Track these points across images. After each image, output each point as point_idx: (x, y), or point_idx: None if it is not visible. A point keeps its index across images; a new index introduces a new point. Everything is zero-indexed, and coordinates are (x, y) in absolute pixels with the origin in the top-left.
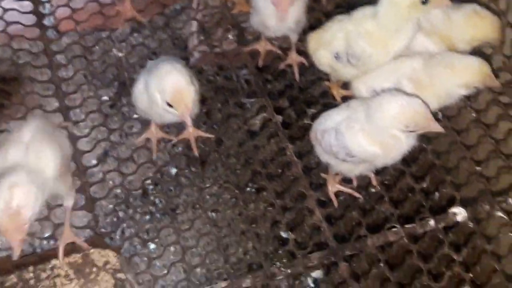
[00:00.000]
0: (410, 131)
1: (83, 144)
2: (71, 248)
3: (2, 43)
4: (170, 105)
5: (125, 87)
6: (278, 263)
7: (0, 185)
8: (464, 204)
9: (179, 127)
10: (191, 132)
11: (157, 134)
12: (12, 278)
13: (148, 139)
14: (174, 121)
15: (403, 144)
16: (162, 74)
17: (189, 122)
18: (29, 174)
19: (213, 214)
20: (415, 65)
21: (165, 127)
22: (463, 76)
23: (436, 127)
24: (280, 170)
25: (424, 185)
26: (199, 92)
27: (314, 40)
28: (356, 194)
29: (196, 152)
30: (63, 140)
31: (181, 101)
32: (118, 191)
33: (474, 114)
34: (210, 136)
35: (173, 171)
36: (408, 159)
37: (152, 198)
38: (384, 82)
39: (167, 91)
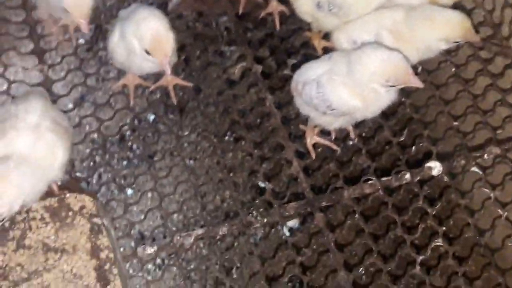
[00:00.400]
0: (390, 86)
1: (58, 88)
2: (46, 192)
3: None
4: (148, 53)
5: (101, 31)
6: (254, 212)
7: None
8: (440, 158)
9: (157, 74)
10: (169, 79)
11: (134, 80)
12: None
13: (125, 86)
14: (153, 71)
15: (383, 98)
16: (139, 21)
17: (168, 70)
18: (26, 166)
19: (191, 162)
20: (396, 16)
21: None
22: (444, 30)
23: (416, 82)
24: (259, 120)
25: (401, 138)
26: (176, 40)
27: None
28: (334, 146)
29: (174, 100)
30: (69, 127)
31: (160, 49)
32: (95, 136)
33: (453, 69)
34: (189, 84)
35: (151, 117)
36: (387, 113)
37: (129, 144)
38: (365, 33)
39: (146, 37)
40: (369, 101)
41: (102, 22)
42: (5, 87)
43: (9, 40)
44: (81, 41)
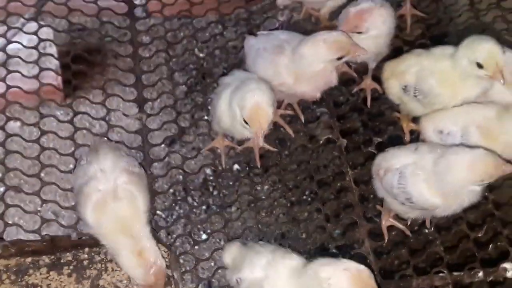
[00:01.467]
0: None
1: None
2: None
3: (91, 14)
4: (246, 122)
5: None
6: None
7: None
8: None
9: None
10: (256, 143)
11: (223, 143)
12: (68, 256)
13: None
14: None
15: (466, 197)
16: (245, 91)
17: (260, 142)
18: None
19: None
20: (487, 113)
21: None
22: None
23: (510, 169)
24: (337, 194)
25: (479, 234)
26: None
27: (389, 69)
28: (407, 232)
29: (258, 163)
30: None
31: (257, 120)
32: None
33: None
34: (274, 149)
35: (235, 168)
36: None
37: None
38: (452, 125)
39: (246, 108)
40: (450, 200)
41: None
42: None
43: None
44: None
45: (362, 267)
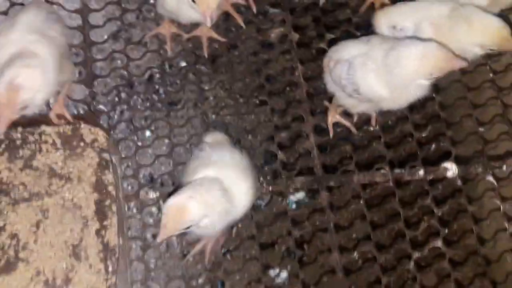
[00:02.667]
0: (436, 77)
1: (95, 19)
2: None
3: None
4: (193, 1)
5: None
6: (261, 178)
7: (15, 62)
8: (457, 161)
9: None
10: (204, 31)
11: (170, 29)
12: None
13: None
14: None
15: (413, 91)
16: None
17: (208, 23)
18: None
19: (212, 116)
20: (441, 11)
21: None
22: (479, 36)
23: (460, 63)
24: (285, 88)
25: (423, 134)
26: None
27: None
28: (353, 129)
29: (206, 52)
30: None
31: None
32: (123, 72)
33: (491, 75)
34: (222, 39)
35: (182, 64)
36: (413, 106)
37: (156, 87)
38: (405, 21)
39: None
40: (398, 93)
41: None
42: None
43: None
44: None
45: None
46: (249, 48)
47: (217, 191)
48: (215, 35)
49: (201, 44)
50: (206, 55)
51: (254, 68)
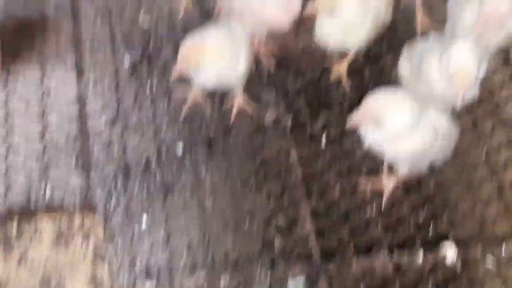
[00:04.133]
0: None
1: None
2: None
3: None
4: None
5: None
6: (260, 266)
7: None
8: (457, 243)
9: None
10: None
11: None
12: None
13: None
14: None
15: None
16: None
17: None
18: None
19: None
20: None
21: None
22: None
23: None
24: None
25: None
26: None
27: None
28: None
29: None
30: None
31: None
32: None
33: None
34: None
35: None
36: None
37: (152, 172)
38: None
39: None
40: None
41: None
42: None
43: None
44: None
45: None
46: (244, 132)
47: None
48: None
49: (197, 128)
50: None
51: (250, 152)
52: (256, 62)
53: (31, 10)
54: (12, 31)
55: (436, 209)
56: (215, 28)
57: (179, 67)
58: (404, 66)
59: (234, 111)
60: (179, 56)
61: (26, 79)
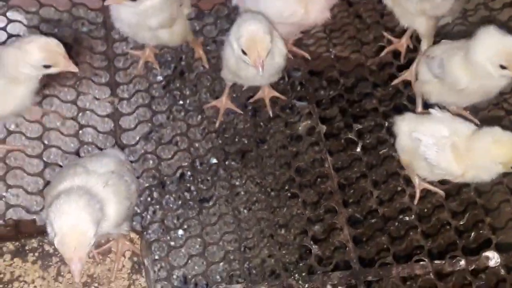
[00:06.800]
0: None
1: (126, 122)
2: None
3: (64, 8)
4: (244, 53)
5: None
6: (297, 275)
7: None
8: (499, 249)
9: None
10: (266, 93)
11: (226, 105)
12: (33, 243)
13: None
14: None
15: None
16: (240, 22)
17: (260, 71)
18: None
19: (244, 211)
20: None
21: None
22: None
23: None
24: (316, 180)
25: (461, 222)
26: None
27: None
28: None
29: (270, 112)
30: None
31: (255, 48)
32: (155, 172)
33: None
34: (283, 97)
35: (213, 161)
36: (450, 193)
37: (187, 185)
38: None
39: (243, 37)
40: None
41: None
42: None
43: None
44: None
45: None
46: (278, 142)
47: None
48: (276, 94)
49: (230, 140)
50: (271, 115)
51: (284, 161)
52: (288, 71)
53: (64, 30)
54: None
55: (478, 215)
56: None
57: None
58: (423, 71)
59: (256, 96)
60: None
61: (61, 97)
